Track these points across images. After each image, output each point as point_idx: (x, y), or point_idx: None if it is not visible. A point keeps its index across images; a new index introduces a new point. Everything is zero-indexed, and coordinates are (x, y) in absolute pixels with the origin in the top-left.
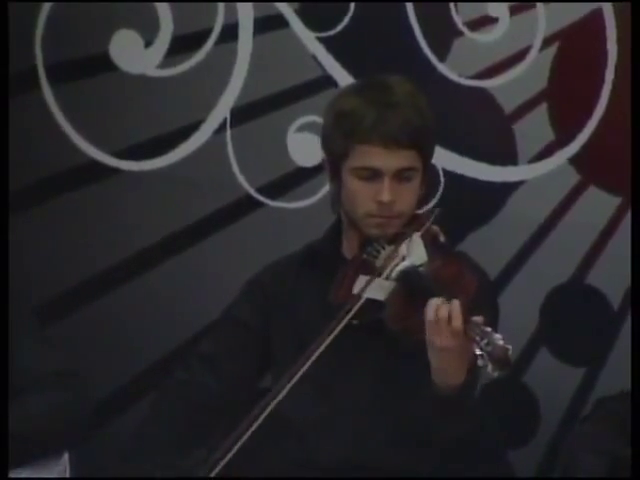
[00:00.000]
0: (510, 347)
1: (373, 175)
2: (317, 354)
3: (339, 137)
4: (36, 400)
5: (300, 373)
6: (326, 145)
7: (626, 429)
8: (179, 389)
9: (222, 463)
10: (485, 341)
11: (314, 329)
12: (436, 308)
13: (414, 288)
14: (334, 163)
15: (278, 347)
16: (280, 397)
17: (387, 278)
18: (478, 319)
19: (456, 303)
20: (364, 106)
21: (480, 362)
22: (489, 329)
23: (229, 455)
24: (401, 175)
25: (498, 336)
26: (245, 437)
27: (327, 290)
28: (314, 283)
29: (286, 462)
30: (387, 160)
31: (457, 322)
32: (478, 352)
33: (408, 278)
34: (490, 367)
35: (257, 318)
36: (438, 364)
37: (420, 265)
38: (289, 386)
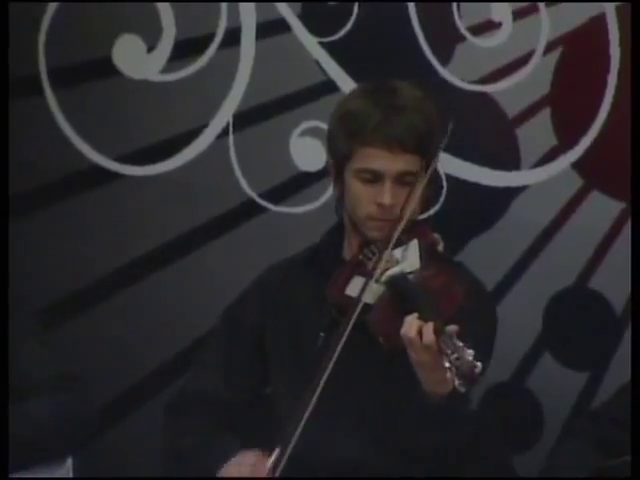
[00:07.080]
0: (479, 365)
1: (375, 178)
2: (331, 365)
3: (343, 138)
4: (38, 404)
5: (320, 387)
6: (330, 146)
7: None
8: (192, 400)
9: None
10: (455, 355)
11: (310, 329)
12: (409, 325)
13: (400, 294)
14: (338, 165)
15: (273, 346)
16: (308, 413)
17: (377, 281)
18: (452, 330)
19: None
20: (370, 107)
21: (448, 375)
22: (461, 344)
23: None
24: (403, 179)
25: (470, 352)
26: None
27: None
28: (313, 284)
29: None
30: (389, 163)
31: (428, 338)
32: (447, 365)
33: (395, 283)
34: (457, 382)
35: (255, 318)
36: (421, 375)
37: (410, 272)
38: (315, 397)
